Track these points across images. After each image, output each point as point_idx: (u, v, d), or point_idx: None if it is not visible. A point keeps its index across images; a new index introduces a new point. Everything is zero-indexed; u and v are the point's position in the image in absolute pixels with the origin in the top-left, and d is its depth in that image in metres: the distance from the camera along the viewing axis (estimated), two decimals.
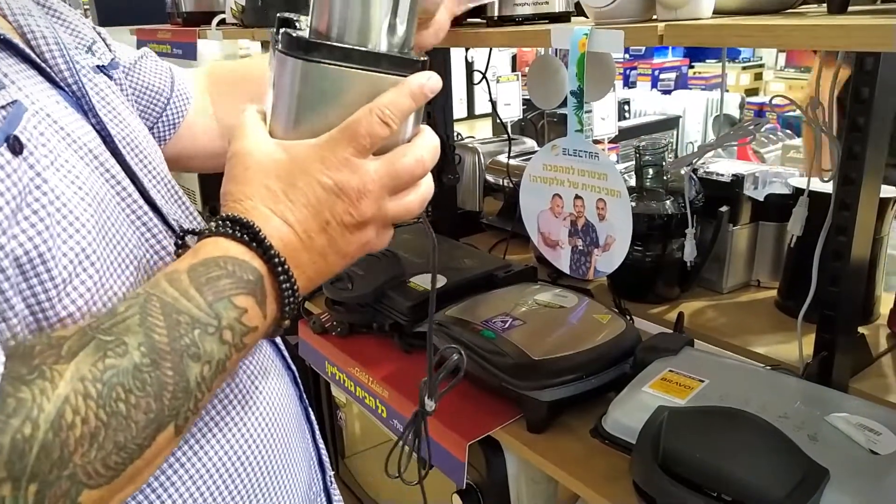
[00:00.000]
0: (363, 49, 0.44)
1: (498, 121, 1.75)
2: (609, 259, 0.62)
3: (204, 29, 1.35)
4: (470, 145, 1.60)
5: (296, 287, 0.43)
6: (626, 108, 3.41)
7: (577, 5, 0.82)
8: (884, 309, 1.02)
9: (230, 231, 0.42)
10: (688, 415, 0.67)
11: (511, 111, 2.27)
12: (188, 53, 1.40)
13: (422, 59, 0.45)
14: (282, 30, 0.45)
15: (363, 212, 0.45)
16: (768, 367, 0.88)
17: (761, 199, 1.13)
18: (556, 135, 3.51)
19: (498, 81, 2.08)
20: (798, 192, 1.06)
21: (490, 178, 1.57)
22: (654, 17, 0.61)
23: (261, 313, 0.42)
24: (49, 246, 0.38)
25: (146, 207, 0.48)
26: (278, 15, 0.47)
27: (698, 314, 1.09)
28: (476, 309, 0.95)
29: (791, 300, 1.06)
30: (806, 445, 0.61)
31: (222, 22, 1.37)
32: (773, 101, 2.42)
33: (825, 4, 0.67)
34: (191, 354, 0.38)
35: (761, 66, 4.81)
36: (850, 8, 0.56)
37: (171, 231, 0.50)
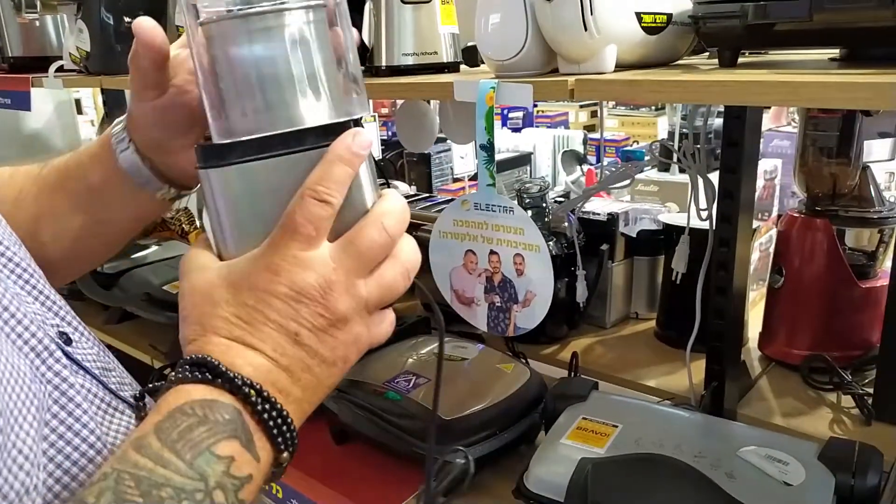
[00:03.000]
0: (281, 132, 0.39)
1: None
2: (530, 315, 0.61)
3: (39, 76, 1.21)
4: None
5: (284, 413, 0.37)
6: None
7: (465, 52, 0.81)
8: (751, 332, 1.09)
9: (189, 375, 0.36)
10: (611, 465, 0.66)
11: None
12: (20, 103, 1.25)
13: (350, 118, 0.41)
14: (196, 145, 0.40)
15: (335, 308, 0.39)
16: (666, 401, 0.91)
17: (634, 235, 1.18)
18: (416, 174, 3.53)
19: None
20: (668, 227, 1.12)
21: None
22: (556, 69, 0.61)
23: (251, 457, 0.35)
24: None
25: (25, 322, 0.39)
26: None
27: (588, 351, 1.11)
28: (374, 368, 0.90)
29: (670, 329, 1.11)
30: (726, 484, 0.63)
31: (60, 69, 1.23)
32: (653, 146, 2.53)
33: (707, 56, 0.72)
34: None
35: (596, 104, 5.19)
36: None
37: (53, 340, 0.41)
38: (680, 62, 0.65)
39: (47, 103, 1.92)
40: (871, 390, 0.88)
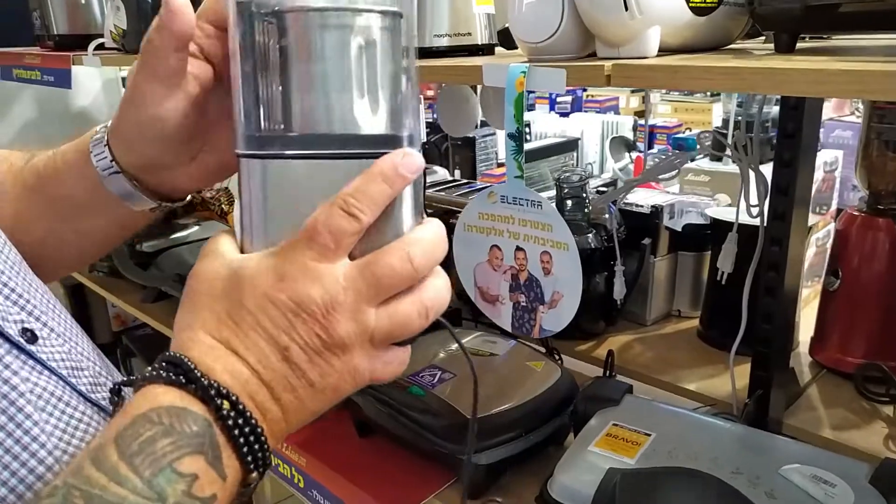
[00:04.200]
0: (327, 133, 0.36)
1: None
2: (557, 317, 0.57)
3: (80, 54, 1.21)
4: None
5: (259, 430, 0.34)
6: (528, 130, 3.46)
7: (502, 34, 0.77)
8: (803, 335, 1.03)
9: (161, 374, 0.33)
10: (641, 477, 0.62)
11: None
12: (61, 81, 1.26)
13: (406, 133, 0.38)
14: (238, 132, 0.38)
15: (335, 331, 0.35)
16: (705, 408, 0.86)
17: (679, 229, 1.12)
18: (460, 158, 3.49)
19: None
20: (715, 222, 1.06)
21: None
22: (593, 52, 0.57)
23: (216, 475, 0.32)
24: None
25: None
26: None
27: (626, 349, 1.06)
28: None
29: (714, 330, 1.05)
30: None
31: (101, 46, 1.23)
32: (703, 134, 2.43)
33: (764, 40, 0.66)
34: None
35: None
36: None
37: (8, 338, 0.38)
38: (732, 46, 0.60)
39: (95, 81, 1.95)
40: None
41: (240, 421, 0.33)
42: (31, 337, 0.40)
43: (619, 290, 0.95)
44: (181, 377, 0.33)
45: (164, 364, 0.34)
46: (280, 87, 0.37)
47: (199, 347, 0.35)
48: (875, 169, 0.91)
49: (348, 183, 0.36)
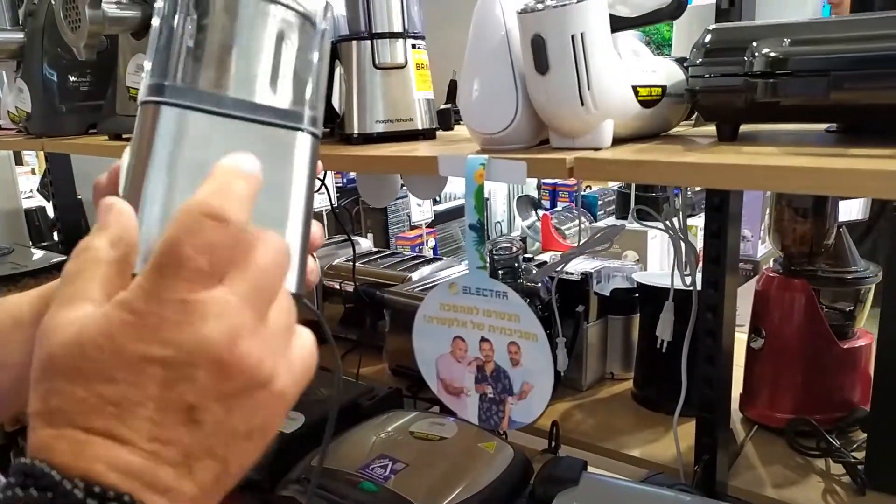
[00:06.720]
0: (241, 98, 0.35)
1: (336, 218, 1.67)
2: (527, 408, 0.56)
3: None
4: None
5: None
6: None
7: (440, 115, 0.77)
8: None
9: (20, 493, 0.26)
10: None
11: (323, 198, 2.23)
12: None
13: (309, 114, 0.37)
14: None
15: (246, 363, 0.29)
16: (657, 475, 0.87)
17: (607, 293, 1.15)
18: (372, 221, 3.46)
19: None
20: (642, 287, 1.10)
21: (327, 282, 1.46)
22: (545, 140, 0.58)
23: None
24: None
25: None
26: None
27: (566, 417, 1.06)
28: (347, 452, 0.83)
29: (649, 390, 1.08)
30: None
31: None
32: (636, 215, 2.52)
33: (694, 123, 0.69)
34: None
35: None
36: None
37: None
38: (671, 132, 0.63)
39: None
40: (859, 455, 0.86)
41: None
42: None
43: (562, 362, 0.95)
44: (48, 493, 0.26)
45: (22, 478, 0.26)
46: (206, 45, 0.35)
47: (67, 448, 0.27)
48: (786, 232, 0.97)
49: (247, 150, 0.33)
